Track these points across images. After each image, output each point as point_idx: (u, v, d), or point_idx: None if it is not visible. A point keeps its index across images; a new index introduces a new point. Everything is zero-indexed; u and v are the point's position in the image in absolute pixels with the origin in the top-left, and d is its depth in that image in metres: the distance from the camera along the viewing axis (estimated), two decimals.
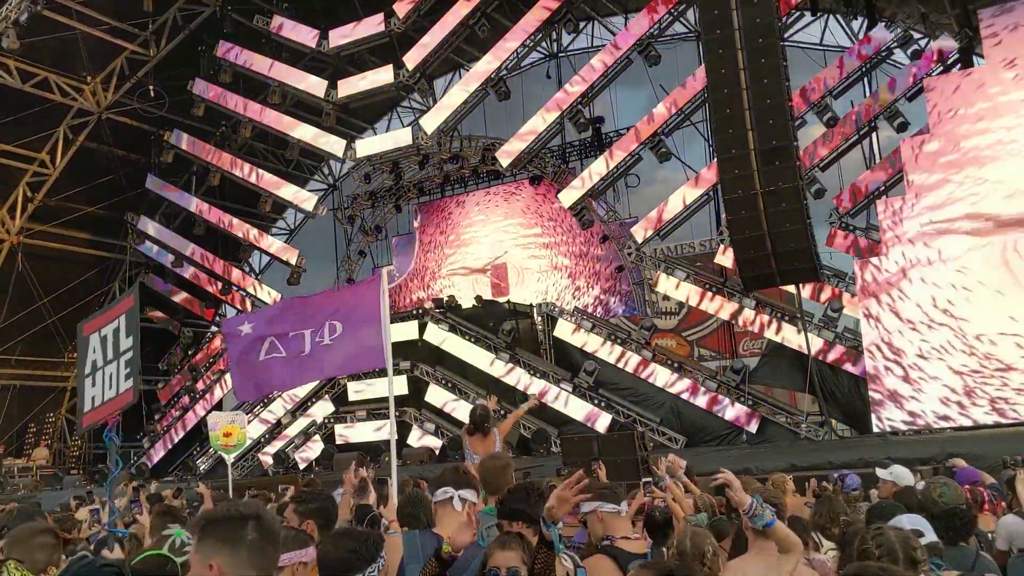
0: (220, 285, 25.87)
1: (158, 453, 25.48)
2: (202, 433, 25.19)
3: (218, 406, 25.10)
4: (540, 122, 21.57)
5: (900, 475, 6.47)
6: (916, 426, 15.67)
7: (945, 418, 15.48)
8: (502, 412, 19.93)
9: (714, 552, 3.88)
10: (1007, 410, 14.97)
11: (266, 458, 23.44)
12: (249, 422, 23.91)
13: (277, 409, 23.81)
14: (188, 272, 26.23)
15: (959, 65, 17.42)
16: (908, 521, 3.92)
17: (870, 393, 16.25)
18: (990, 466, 8.27)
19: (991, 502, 5.80)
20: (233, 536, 2.08)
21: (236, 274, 26.00)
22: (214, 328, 27.49)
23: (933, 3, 19.06)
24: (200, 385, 25.79)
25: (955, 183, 15.61)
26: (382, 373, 20.97)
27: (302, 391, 23.28)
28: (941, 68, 17.63)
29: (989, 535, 4.88)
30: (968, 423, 15.25)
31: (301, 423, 23.43)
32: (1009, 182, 15.12)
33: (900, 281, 16.05)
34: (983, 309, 15.22)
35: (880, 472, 6.51)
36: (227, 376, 25.39)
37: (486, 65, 21.88)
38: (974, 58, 17.46)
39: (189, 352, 27.02)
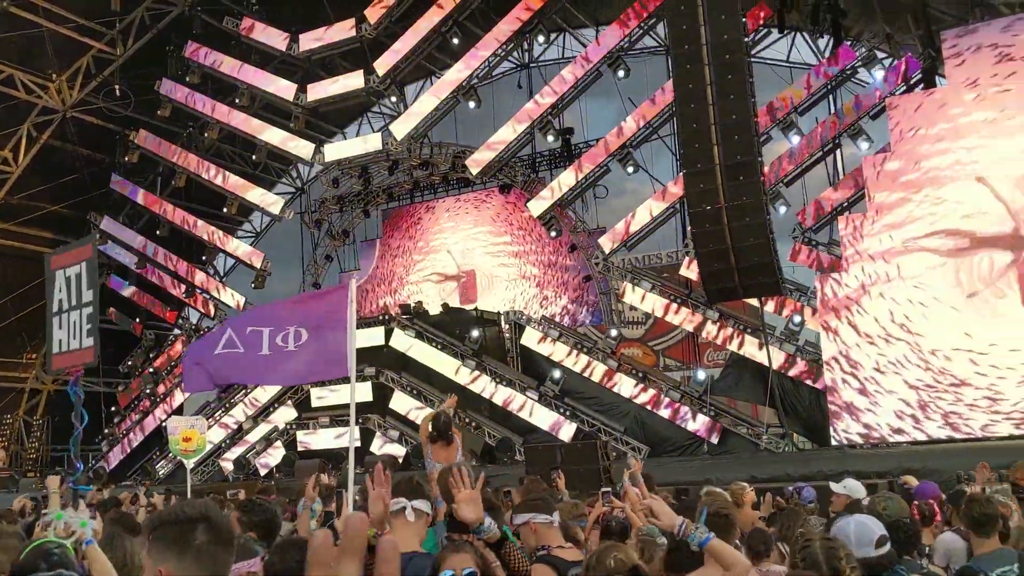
0: (183, 288, 25.62)
1: (116, 457, 25.15)
2: (162, 438, 24.90)
3: (179, 410, 24.86)
4: (510, 131, 21.65)
5: (853, 488, 6.57)
6: (872, 439, 15.90)
7: (899, 431, 15.72)
8: (465, 417, 20.01)
9: None
10: (960, 424, 15.23)
11: (227, 464, 23.21)
12: (210, 427, 23.71)
13: (238, 414, 23.60)
14: (151, 274, 25.95)
15: (922, 85, 17.75)
16: (855, 522, 4.01)
17: (829, 407, 16.45)
18: (944, 481, 8.42)
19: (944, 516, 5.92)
20: (182, 540, 2.01)
21: (200, 277, 25.76)
22: (176, 331, 27.22)
23: (898, 23, 19.42)
24: (161, 389, 25.50)
25: (915, 202, 15.88)
26: (346, 379, 20.91)
27: (264, 396, 23.11)
28: (904, 87, 17.94)
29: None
30: (922, 437, 15.49)
31: (263, 429, 23.24)
32: (967, 202, 15.40)
33: (860, 296, 16.28)
34: (939, 325, 15.48)
35: (834, 486, 6.61)
36: None
37: (457, 73, 21.93)
38: (937, 78, 17.80)
39: (151, 355, 26.71)
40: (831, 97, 19.45)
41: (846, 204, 18.13)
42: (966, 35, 15.68)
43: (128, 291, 26.23)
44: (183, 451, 9.93)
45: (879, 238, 16.13)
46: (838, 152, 19.50)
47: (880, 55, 19.17)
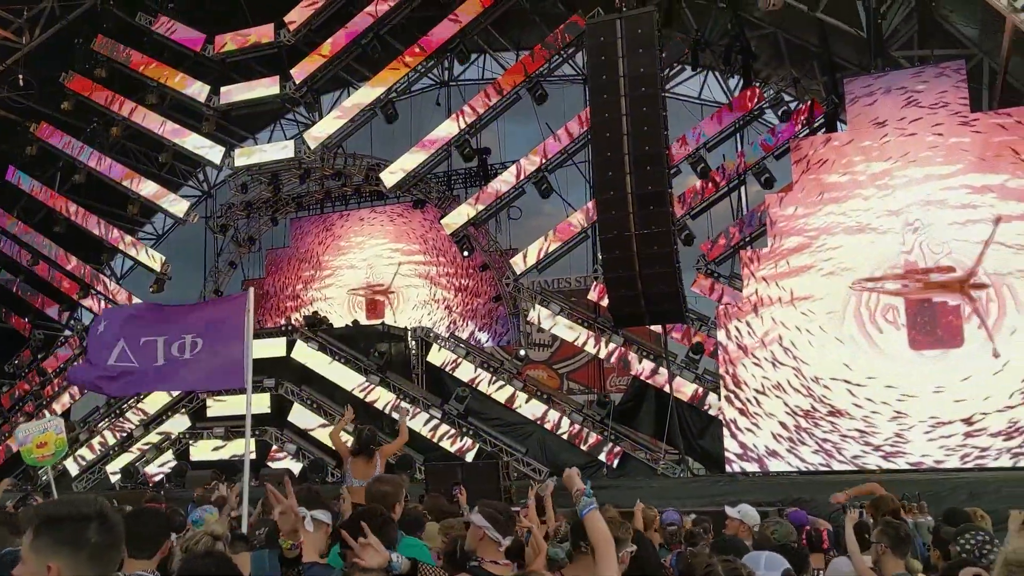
0: (77, 287, 24.67)
1: None
2: None
3: (67, 415, 23.90)
4: (427, 147, 21.67)
5: (747, 514, 6.80)
6: (747, 458, 16.44)
7: (774, 453, 16.27)
8: (366, 428, 19.75)
9: None
10: (833, 452, 15.86)
11: (114, 473, 22.33)
12: (96, 434, 22.82)
13: (128, 421, 22.76)
14: (44, 271, 24.92)
15: (824, 128, 18.56)
16: (767, 555, 4.18)
17: (725, 433, 16.91)
18: (835, 511, 8.78)
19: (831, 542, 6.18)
20: (75, 538, 1.94)
21: (96, 277, 24.85)
22: (67, 332, 26.17)
23: (804, 69, 20.29)
24: (48, 391, 24.45)
25: (811, 238, 16.52)
26: (242, 390, 20.46)
27: (157, 404, 22.37)
28: (808, 131, 18.71)
29: (819, 572, 5.20)
30: (795, 461, 16.09)
31: (154, 437, 22.46)
32: (859, 243, 16.12)
33: (756, 324, 16.81)
34: (822, 354, 16.11)
35: (729, 510, 6.82)
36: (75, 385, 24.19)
37: (376, 85, 21.85)
38: (839, 123, 18.64)
39: (39, 356, 25.60)
40: (738, 136, 20.16)
41: (748, 239, 18.78)
42: (866, 85, 16.47)
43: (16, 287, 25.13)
44: (40, 458, 8.85)
45: (777, 271, 16.72)
46: (743, 189, 20.20)
47: (786, 98, 19.96)
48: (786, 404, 16.30)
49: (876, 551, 4.71)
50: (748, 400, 16.62)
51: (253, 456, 20.05)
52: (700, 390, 18.21)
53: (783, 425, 16.28)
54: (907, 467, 15.22)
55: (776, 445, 16.32)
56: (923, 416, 15.30)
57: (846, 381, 15.93)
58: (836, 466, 15.80)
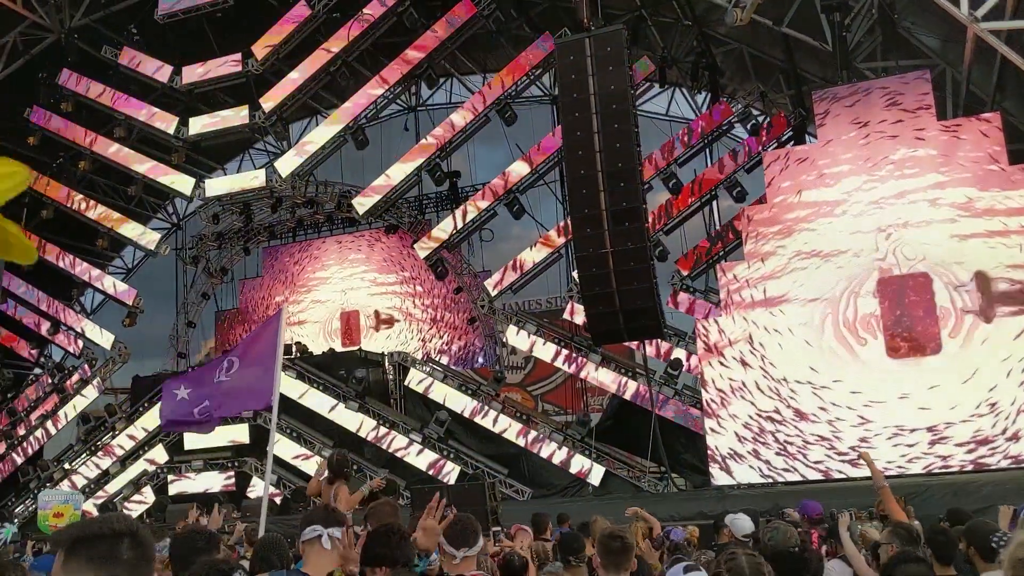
0: (48, 324, 24.28)
1: None
2: (18, 482, 23.42)
3: (39, 453, 23.50)
4: (397, 173, 21.65)
5: (734, 523, 6.78)
6: (715, 460, 16.49)
7: (736, 455, 16.30)
8: (335, 454, 19.57)
9: None
10: (797, 455, 15.91)
11: (91, 509, 21.87)
12: (75, 470, 22.40)
13: (105, 457, 22.35)
14: (12, 309, 24.51)
15: (792, 141, 18.80)
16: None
17: (708, 446, 16.93)
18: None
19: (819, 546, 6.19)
20: (108, 556, 1.91)
21: (66, 313, 24.48)
22: (38, 370, 25.73)
23: (771, 83, 20.56)
24: (20, 431, 23.99)
25: (784, 251, 16.66)
26: (224, 420, 20.19)
27: (133, 438, 22.04)
28: (776, 143, 18.94)
29: None
30: (757, 464, 16.13)
31: (132, 472, 22.08)
32: (832, 251, 16.28)
33: (737, 343, 16.89)
34: (792, 357, 16.21)
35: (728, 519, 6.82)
36: (49, 422, 23.80)
37: (344, 112, 21.83)
38: (807, 136, 18.90)
39: (8, 395, 25.12)
40: (708, 151, 20.37)
41: (722, 253, 18.92)
42: (831, 97, 16.71)
43: None
44: (52, 527, 9.12)
45: (751, 282, 16.83)
46: (714, 203, 20.37)
47: (754, 112, 20.21)
48: (754, 404, 16.36)
49: (886, 552, 4.71)
50: (711, 401, 16.74)
51: (268, 485, 19.82)
52: (680, 405, 18.23)
53: (747, 427, 16.34)
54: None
55: (739, 446, 16.35)
56: (887, 423, 15.39)
57: (808, 382, 16.02)
58: (802, 469, 15.88)
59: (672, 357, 18.79)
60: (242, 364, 5.65)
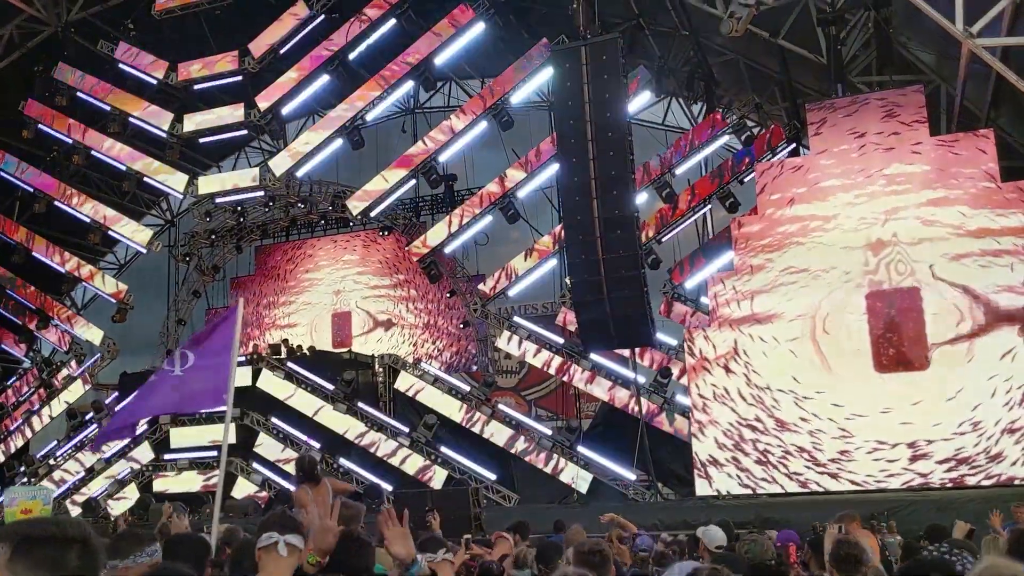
0: (37, 319, 24.19)
1: None
2: (3, 476, 23.30)
3: (25, 448, 23.41)
4: (393, 174, 21.60)
5: (707, 534, 6.74)
6: (697, 467, 16.47)
7: (714, 462, 16.29)
8: (334, 464, 19.59)
9: None
10: (777, 464, 15.87)
11: (74, 507, 21.80)
12: (58, 467, 22.31)
13: (89, 454, 22.25)
14: (1, 303, 24.42)
15: (787, 153, 18.81)
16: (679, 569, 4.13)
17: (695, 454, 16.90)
18: (801, 532, 8.77)
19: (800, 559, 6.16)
20: (54, 561, 1.85)
21: (56, 308, 24.37)
22: (27, 364, 25.63)
23: (766, 95, 20.58)
24: (6, 425, 23.89)
25: (775, 262, 16.65)
26: (211, 418, 20.15)
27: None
28: (770, 155, 18.95)
29: None
30: (735, 471, 16.11)
31: (116, 469, 21.99)
32: (823, 264, 16.27)
33: (727, 352, 16.88)
34: (778, 367, 16.19)
35: (699, 531, 6.78)
36: (35, 417, 23.73)
37: (341, 112, 21.79)
38: (801, 148, 18.91)
39: None
40: (702, 161, 20.38)
41: (714, 262, 18.90)
42: (829, 109, 16.71)
43: None
44: None
45: (742, 293, 16.81)
46: (708, 213, 20.38)
47: (749, 123, 20.22)
48: (735, 411, 16.33)
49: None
50: (693, 406, 16.74)
51: (220, 493, 19.69)
52: (670, 414, 18.21)
53: (726, 434, 16.32)
54: (851, 487, 15.28)
55: (719, 453, 16.32)
56: (868, 436, 15.36)
57: (791, 392, 16.01)
58: (781, 480, 15.87)
59: (663, 366, 18.78)
60: (196, 358, 5.50)
